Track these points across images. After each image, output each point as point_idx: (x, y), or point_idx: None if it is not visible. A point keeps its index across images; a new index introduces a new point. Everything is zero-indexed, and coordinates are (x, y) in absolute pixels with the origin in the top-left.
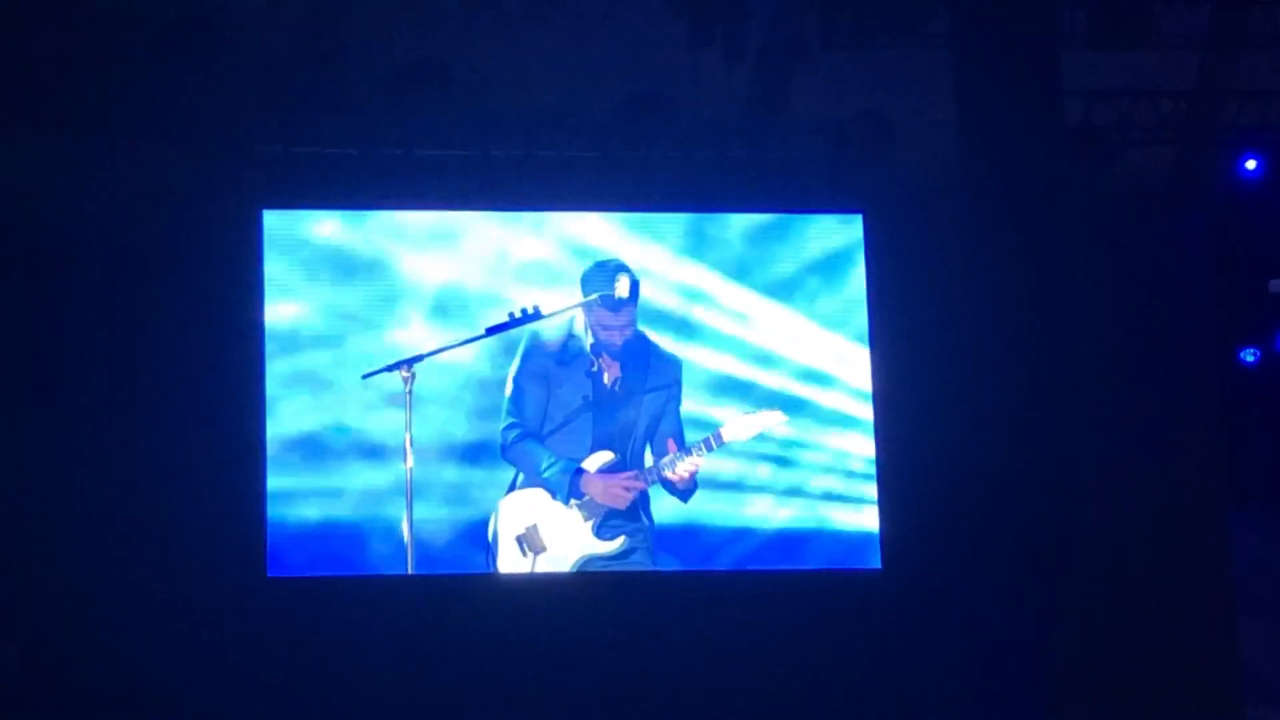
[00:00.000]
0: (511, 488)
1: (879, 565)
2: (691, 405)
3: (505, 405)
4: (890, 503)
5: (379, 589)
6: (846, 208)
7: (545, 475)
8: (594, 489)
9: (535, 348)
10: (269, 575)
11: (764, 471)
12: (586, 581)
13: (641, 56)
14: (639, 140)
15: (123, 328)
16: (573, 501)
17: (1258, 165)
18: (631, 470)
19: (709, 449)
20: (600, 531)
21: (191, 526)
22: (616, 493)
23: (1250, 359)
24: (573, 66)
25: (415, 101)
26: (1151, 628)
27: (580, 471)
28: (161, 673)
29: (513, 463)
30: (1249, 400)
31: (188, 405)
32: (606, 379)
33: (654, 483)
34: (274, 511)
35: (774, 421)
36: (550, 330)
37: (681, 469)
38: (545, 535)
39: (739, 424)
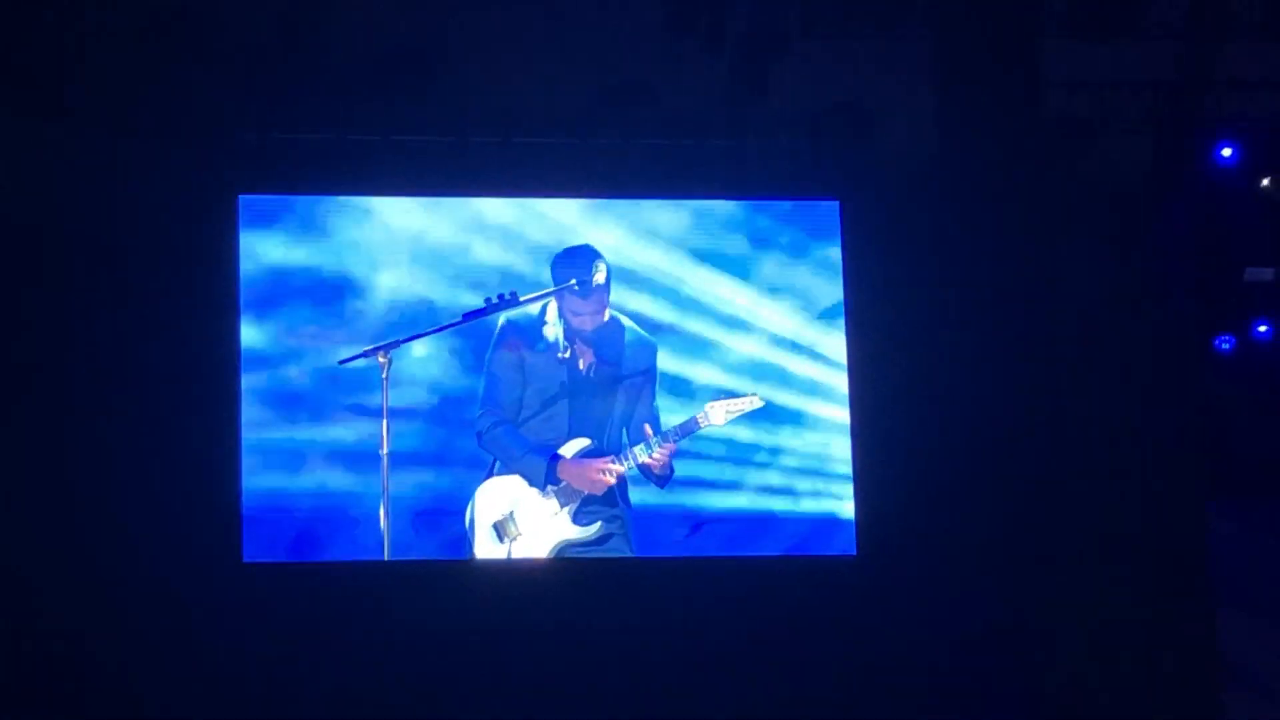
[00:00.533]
0: (488, 474)
1: (854, 551)
2: (668, 390)
3: (481, 393)
4: (866, 489)
5: (356, 575)
6: (824, 195)
7: (522, 462)
8: (571, 475)
9: (510, 334)
10: (245, 561)
11: (740, 458)
12: (563, 568)
13: (620, 43)
14: (617, 127)
15: (98, 312)
16: (549, 488)
17: (1234, 154)
18: (609, 455)
19: (686, 434)
20: (577, 518)
21: (167, 511)
22: (594, 478)
23: (1226, 347)
24: (552, 53)
25: (393, 87)
26: (1129, 616)
27: (557, 458)
28: (136, 658)
29: (489, 450)
30: (1225, 388)
31: (163, 390)
32: (581, 365)
33: (631, 468)
34: (250, 496)
35: (751, 406)
36: (524, 317)
37: (659, 454)
38: (521, 522)
39: (717, 409)
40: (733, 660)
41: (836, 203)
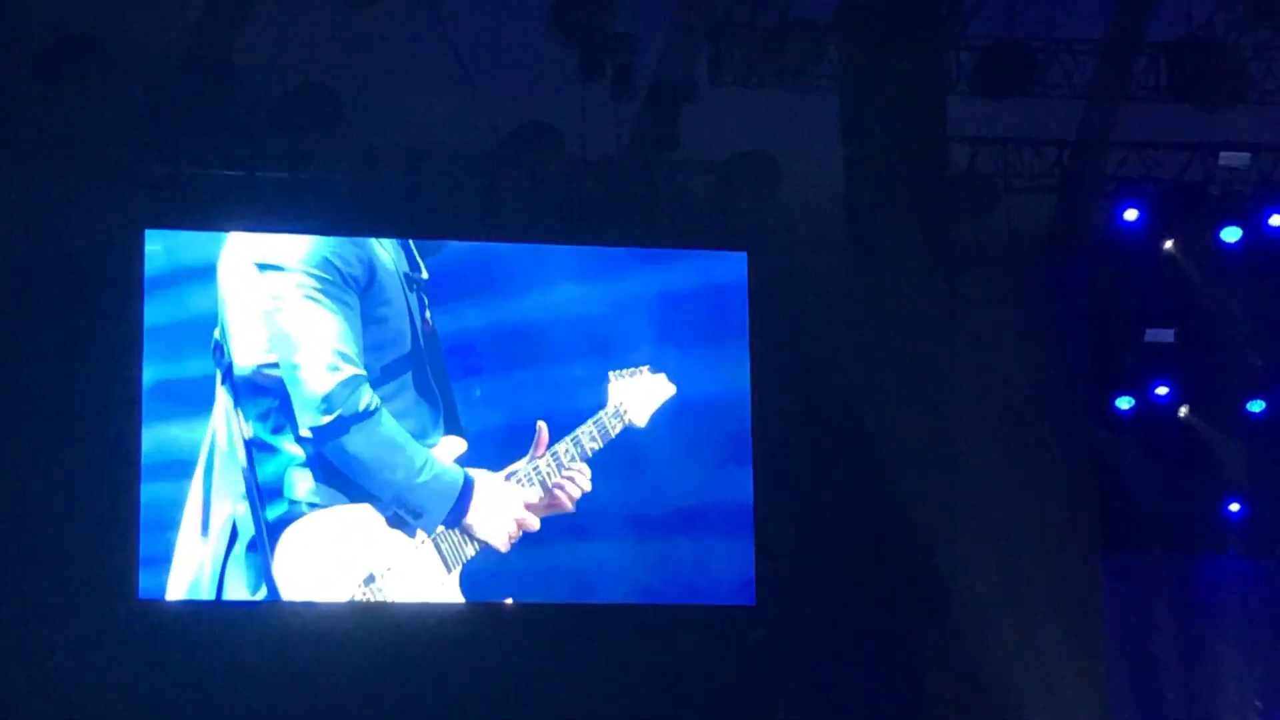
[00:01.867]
0: (295, 508)
1: (753, 602)
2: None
3: (325, 343)
4: (766, 542)
5: (244, 615)
6: (731, 245)
7: (419, 482)
8: (483, 514)
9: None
10: (140, 598)
11: (633, 502)
12: (442, 614)
13: (531, 87)
14: (524, 171)
15: (1, 343)
16: (427, 534)
17: (1138, 216)
18: (511, 471)
19: (604, 434)
20: (469, 584)
21: (63, 546)
22: (511, 523)
23: (1125, 407)
24: (462, 95)
25: (302, 126)
26: (1023, 675)
27: (470, 482)
28: (28, 692)
29: (344, 451)
30: (1123, 449)
31: (65, 422)
32: (428, 318)
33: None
34: (148, 533)
35: (665, 391)
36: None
37: (575, 472)
38: (393, 593)
39: (630, 394)
40: (625, 710)
41: (744, 253)
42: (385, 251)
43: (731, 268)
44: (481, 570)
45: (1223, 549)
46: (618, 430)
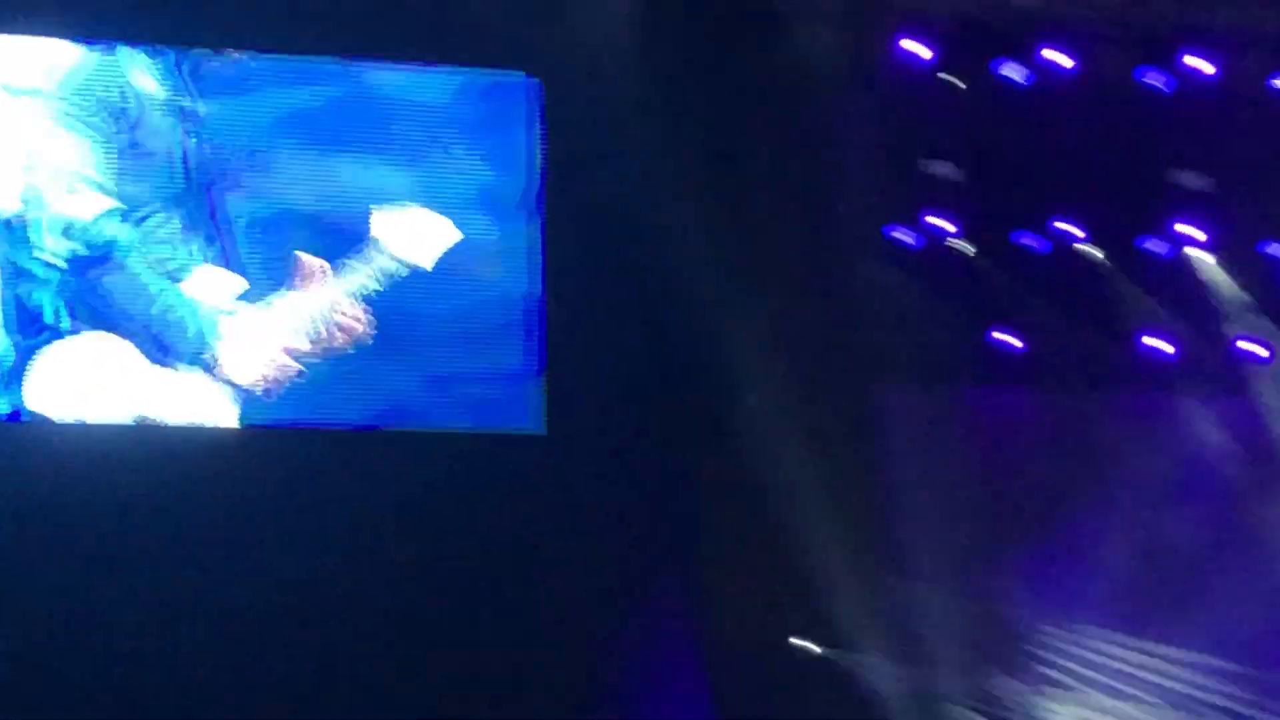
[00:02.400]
0: (53, 334)
1: (542, 430)
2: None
3: (74, 170)
4: (557, 370)
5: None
6: (519, 66)
7: (169, 318)
8: (238, 352)
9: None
10: None
11: (416, 331)
12: (215, 439)
13: None
14: None
15: None
16: (177, 369)
17: (920, 48)
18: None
19: (381, 271)
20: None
21: None
22: (272, 362)
23: (900, 238)
24: None
25: None
26: (797, 503)
27: (216, 324)
28: None
29: (93, 281)
30: (895, 278)
31: None
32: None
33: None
34: None
35: (449, 235)
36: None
37: (352, 313)
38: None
39: (405, 233)
40: (405, 541)
41: (525, 77)
42: (150, 78)
43: (520, 88)
44: (260, 397)
45: (988, 379)
46: (394, 267)
